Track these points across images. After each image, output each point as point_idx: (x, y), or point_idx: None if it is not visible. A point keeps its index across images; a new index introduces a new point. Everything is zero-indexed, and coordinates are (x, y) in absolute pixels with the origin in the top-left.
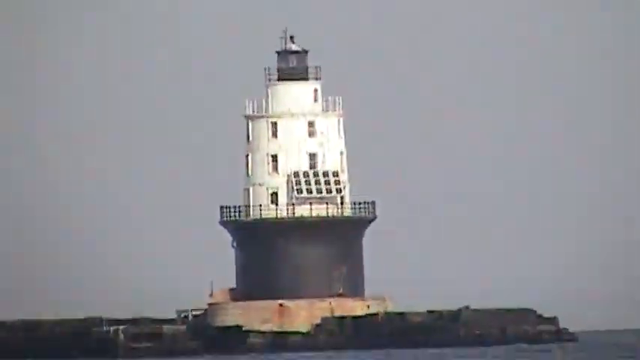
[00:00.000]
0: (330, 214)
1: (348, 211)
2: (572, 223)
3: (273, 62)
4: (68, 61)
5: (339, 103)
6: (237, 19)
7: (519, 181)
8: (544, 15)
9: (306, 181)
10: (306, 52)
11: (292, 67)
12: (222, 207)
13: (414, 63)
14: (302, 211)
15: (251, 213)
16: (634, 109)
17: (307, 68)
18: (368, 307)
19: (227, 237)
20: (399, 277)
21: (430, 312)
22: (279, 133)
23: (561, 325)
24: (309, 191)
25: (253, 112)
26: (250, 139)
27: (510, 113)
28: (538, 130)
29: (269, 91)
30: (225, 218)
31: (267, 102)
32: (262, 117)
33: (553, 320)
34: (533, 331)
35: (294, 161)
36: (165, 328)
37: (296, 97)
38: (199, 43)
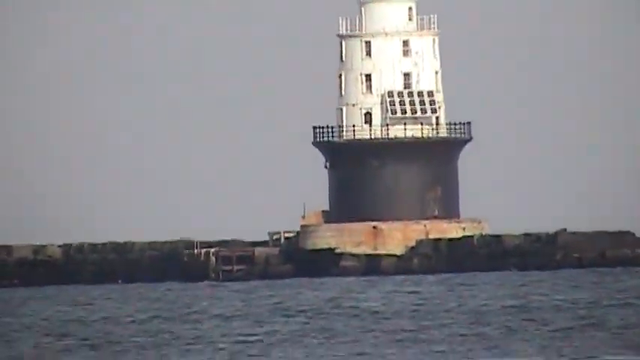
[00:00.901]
0: (424, 135)
1: (443, 132)
2: None
3: None
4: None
5: (434, 22)
6: None
7: (620, 100)
8: None
9: (400, 101)
10: None
11: None
12: (315, 127)
13: None
14: (396, 131)
15: (344, 133)
16: None
17: None
18: (463, 229)
19: (320, 158)
20: (495, 200)
21: (527, 235)
22: (373, 53)
23: None
24: (404, 111)
25: (347, 31)
26: (344, 58)
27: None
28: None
29: (363, 9)
30: (318, 139)
31: (360, 21)
32: (356, 36)
33: None
34: (632, 254)
35: (388, 81)
36: (257, 250)
37: (390, 16)
38: None
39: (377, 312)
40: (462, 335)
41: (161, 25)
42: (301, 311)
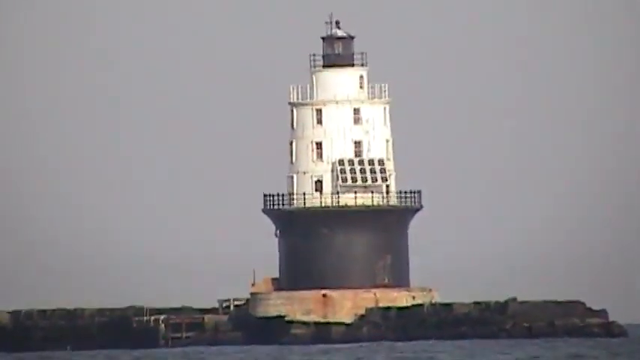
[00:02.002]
0: (375, 203)
1: (393, 200)
2: (621, 212)
3: (318, 48)
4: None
5: (385, 91)
6: (282, 3)
7: (571, 168)
8: None
9: (351, 170)
10: (352, 37)
11: (338, 53)
12: (265, 195)
13: (462, 50)
14: (347, 199)
15: (295, 201)
16: None
17: (353, 54)
18: (413, 297)
19: (270, 225)
20: (445, 268)
21: (477, 303)
22: (324, 121)
23: (611, 318)
24: (354, 180)
25: (298, 99)
26: (295, 126)
27: (569, 103)
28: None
29: (314, 77)
30: (268, 206)
31: (312, 89)
32: (307, 104)
33: (602, 313)
34: (581, 324)
35: (339, 149)
36: (207, 317)
37: (341, 84)
38: (243, 29)
39: None
40: None
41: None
42: None
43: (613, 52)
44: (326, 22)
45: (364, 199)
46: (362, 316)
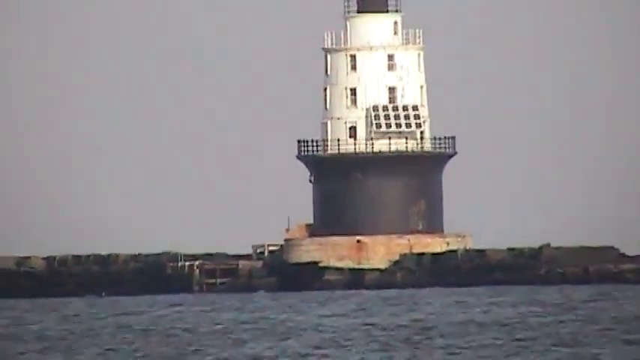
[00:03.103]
0: (409, 149)
1: (427, 146)
2: None
3: None
4: None
5: (420, 37)
6: None
7: (604, 118)
8: None
9: (385, 115)
10: None
11: None
12: (299, 141)
13: None
14: (381, 145)
15: (329, 147)
16: None
17: (387, 0)
18: (447, 244)
19: (305, 171)
20: (479, 214)
21: (511, 249)
22: (358, 67)
23: None
24: (389, 125)
25: (332, 45)
26: (329, 72)
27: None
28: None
29: (348, 23)
30: (303, 152)
31: (345, 35)
32: (341, 50)
33: (636, 259)
34: (615, 270)
35: (373, 95)
36: (241, 263)
37: (375, 30)
38: None
39: None
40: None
41: (140, 28)
42: None
43: None
44: None
45: (398, 145)
46: (396, 262)
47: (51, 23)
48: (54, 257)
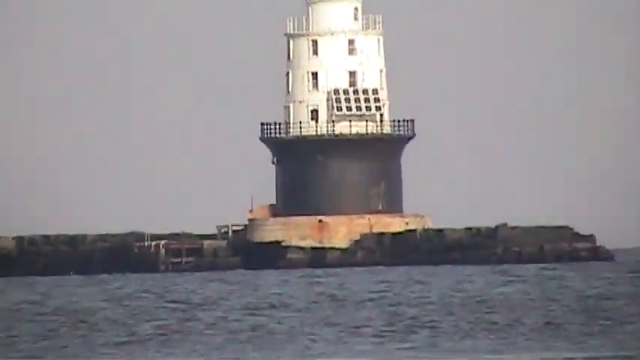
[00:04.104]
0: (369, 132)
1: (387, 129)
2: (609, 140)
3: None
4: None
5: (379, 22)
6: None
7: (558, 99)
8: None
9: (345, 99)
10: None
11: None
12: (262, 124)
13: None
14: (341, 128)
15: (291, 130)
16: None
17: None
18: (407, 223)
19: (268, 153)
20: (437, 195)
21: (468, 229)
22: (319, 51)
23: (598, 243)
24: (349, 109)
25: (294, 30)
26: (291, 57)
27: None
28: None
29: (309, 9)
30: (265, 135)
31: (307, 20)
32: (303, 35)
33: (589, 238)
34: (569, 249)
35: (334, 79)
36: (206, 243)
37: (336, 16)
38: None
39: None
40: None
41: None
42: None
43: None
44: None
45: (358, 127)
46: (356, 241)
47: None
48: (23, 237)
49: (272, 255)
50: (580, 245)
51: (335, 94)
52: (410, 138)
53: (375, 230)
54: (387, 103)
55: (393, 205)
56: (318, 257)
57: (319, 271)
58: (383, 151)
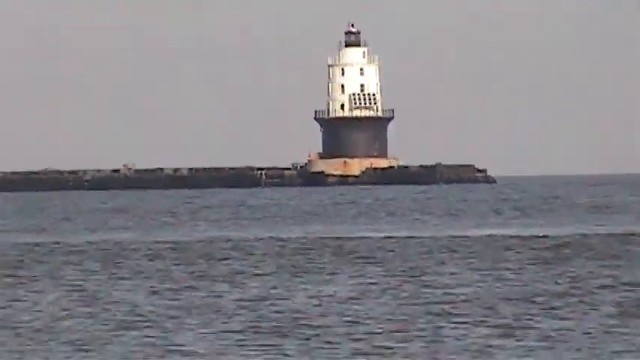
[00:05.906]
0: (370, 115)
1: (379, 114)
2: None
3: None
4: None
5: (377, 59)
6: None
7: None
8: None
9: (358, 98)
10: None
11: None
12: (316, 111)
13: None
14: (356, 113)
15: (330, 114)
16: None
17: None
18: (389, 162)
19: (317, 126)
20: (405, 147)
21: (422, 166)
22: (345, 74)
23: (489, 173)
24: (360, 103)
25: (332, 62)
26: (330, 76)
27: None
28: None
29: (341, 52)
30: (317, 116)
31: (339, 56)
32: (337, 65)
33: (484, 170)
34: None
35: (352, 88)
36: (286, 172)
37: (354, 55)
38: None
39: None
40: None
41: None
42: None
43: None
44: None
45: (365, 113)
46: (363, 172)
47: None
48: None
49: (319, 179)
50: (478, 175)
51: (353, 95)
52: (391, 119)
53: (374, 166)
54: (380, 100)
55: (383, 153)
56: (343, 181)
57: (342, 189)
58: (377, 126)
